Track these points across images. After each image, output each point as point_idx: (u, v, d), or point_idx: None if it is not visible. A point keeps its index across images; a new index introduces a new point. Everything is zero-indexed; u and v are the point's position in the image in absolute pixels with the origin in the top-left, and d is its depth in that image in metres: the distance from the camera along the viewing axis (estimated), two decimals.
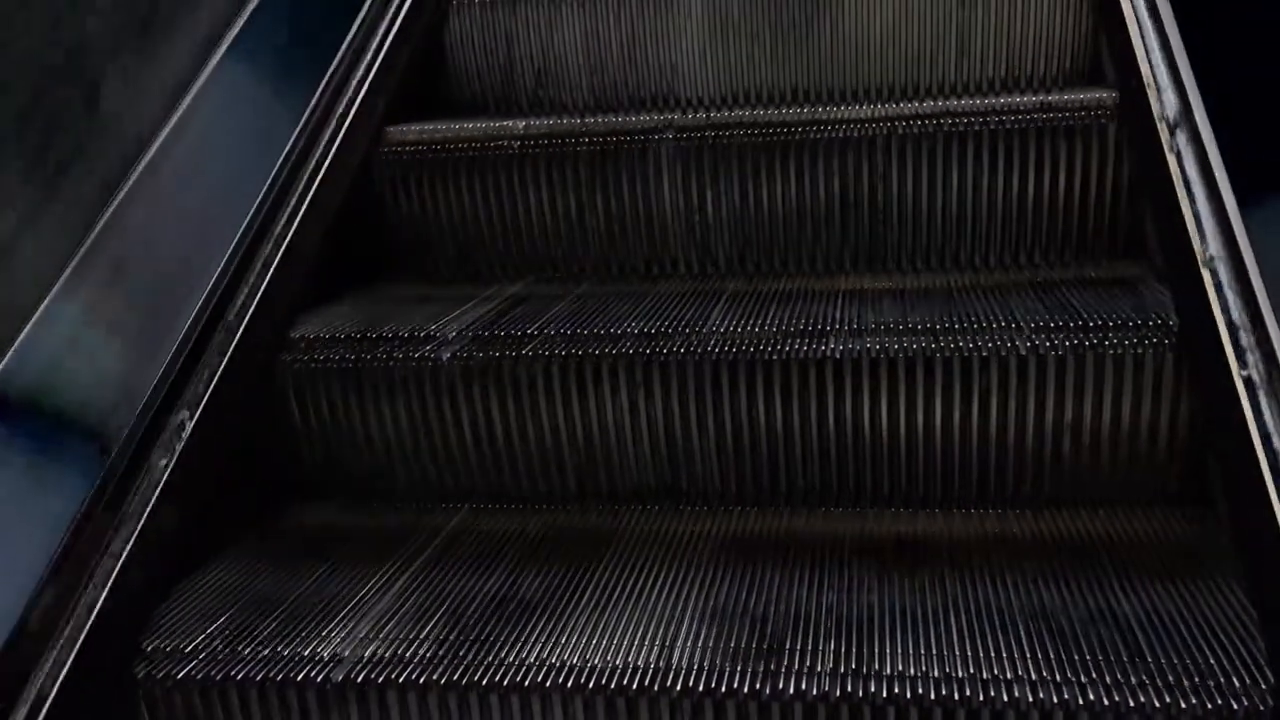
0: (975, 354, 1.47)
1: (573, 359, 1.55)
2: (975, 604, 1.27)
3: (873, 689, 1.15)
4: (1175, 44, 1.64)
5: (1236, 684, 1.10)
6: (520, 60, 2.22)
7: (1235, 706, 1.08)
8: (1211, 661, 1.13)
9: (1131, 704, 1.09)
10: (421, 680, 1.22)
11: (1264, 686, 1.10)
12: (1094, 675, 1.12)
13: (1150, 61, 1.69)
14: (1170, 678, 1.11)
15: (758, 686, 1.17)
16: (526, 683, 1.20)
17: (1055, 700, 1.11)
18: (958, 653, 1.18)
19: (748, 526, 1.52)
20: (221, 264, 1.59)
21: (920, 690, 1.14)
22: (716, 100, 2.16)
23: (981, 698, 1.12)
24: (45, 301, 1.41)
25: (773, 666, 1.18)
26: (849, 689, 1.15)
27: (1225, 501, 1.37)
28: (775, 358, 1.50)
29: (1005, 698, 1.12)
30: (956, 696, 1.13)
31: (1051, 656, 1.16)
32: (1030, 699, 1.12)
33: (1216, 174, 1.45)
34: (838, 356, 1.49)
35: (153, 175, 1.60)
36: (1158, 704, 1.09)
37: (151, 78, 1.63)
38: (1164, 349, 1.43)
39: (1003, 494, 1.52)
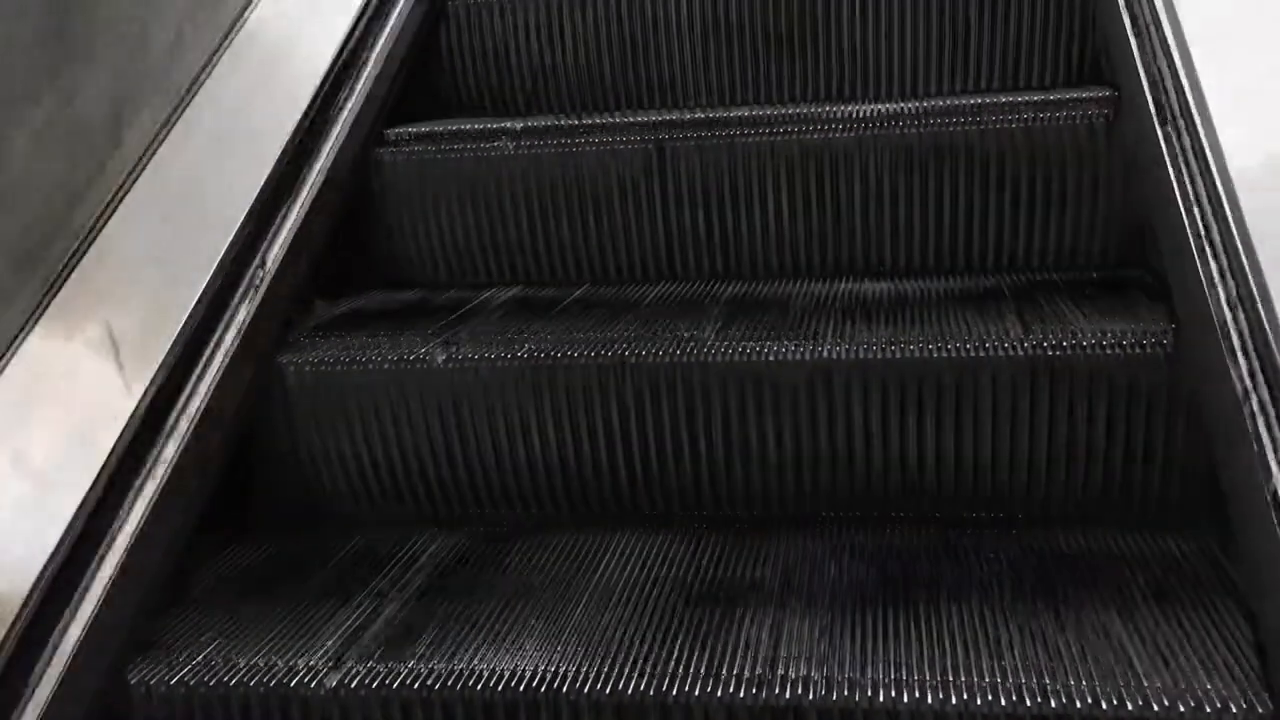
0: (969, 358, 1.44)
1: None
2: (966, 622, 1.25)
3: (861, 700, 1.13)
4: (1175, 42, 1.61)
5: (1234, 709, 1.08)
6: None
7: None
8: (1209, 686, 1.11)
9: None
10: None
11: (1261, 711, 1.08)
12: (1089, 700, 1.10)
13: (1150, 60, 1.66)
14: (1166, 702, 1.09)
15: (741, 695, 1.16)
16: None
17: None
18: (949, 677, 1.16)
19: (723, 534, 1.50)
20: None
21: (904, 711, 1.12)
22: (707, 101, 2.14)
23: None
24: None
25: (755, 690, 1.16)
26: (841, 699, 1.14)
27: (1225, 522, 1.34)
28: (767, 361, 1.49)
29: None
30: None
31: (1046, 680, 1.13)
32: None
33: (1217, 175, 1.42)
34: (833, 358, 1.47)
35: None
36: None
37: None
38: (1160, 356, 1.41)
39: (991, 509, 1.50)
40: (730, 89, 2.12)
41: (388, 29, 2.08)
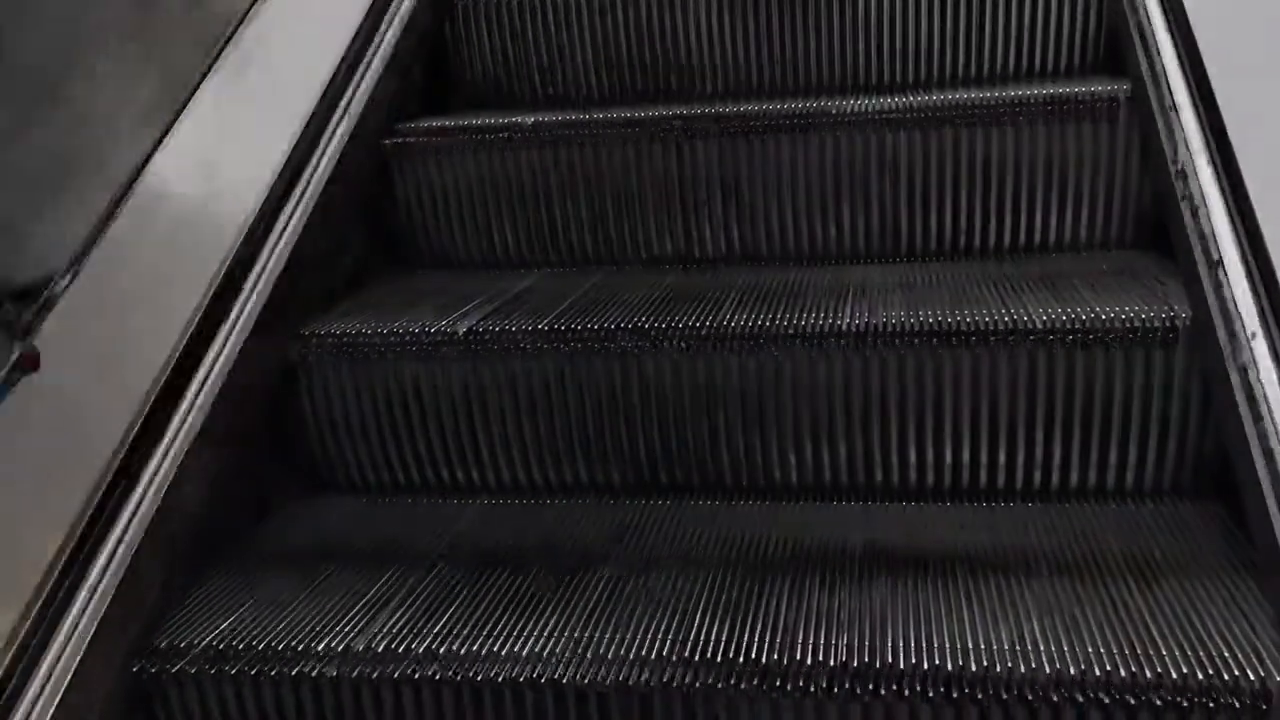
0: (984, 344, 1.46)
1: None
2: (986, 592, 1.27)
3: (887, 683, 1.15)
4: (1192, 31, 1.63)
5: (1251, 676, 1.10)
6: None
7: (1246, 703, 1.08)
8: (1225, 655, 1.13)
9: (1143, 699, 1.10)
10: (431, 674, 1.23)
11: (1277, 678, 1.09)
12: (1107, 668, 1.12)
13: (1164, 50, 1.68)
14: (1184, 669, 1.11)
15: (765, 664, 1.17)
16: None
17: (1062, 696, 1.11)
18: (969, 643, 1.18)
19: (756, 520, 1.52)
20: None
21: (930, 684, 1.14)
22: (723, 91, 2.14)
23: (992, 692, 1.13)
24: None
25: (785, 662, 1.18)
26: (866, 683, 1.15)
27: (1234, 494, 1.36)
28: (786, 335, 1.51)
29: (1016, 691, 1.12)
30: (967, 691, 1.13)
31: (1065, 651, 1.15)
32: (1040, 693, 1.12)
33: (1229, 167, 1.44)
34: (852, 330, 1.49)
35: None
36: (1169, 701, 1.10)
37: None
38: (1172, 342, 1.43)
39: (1011, 483, 1.52)
40: (747, 66, 2.13)
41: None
